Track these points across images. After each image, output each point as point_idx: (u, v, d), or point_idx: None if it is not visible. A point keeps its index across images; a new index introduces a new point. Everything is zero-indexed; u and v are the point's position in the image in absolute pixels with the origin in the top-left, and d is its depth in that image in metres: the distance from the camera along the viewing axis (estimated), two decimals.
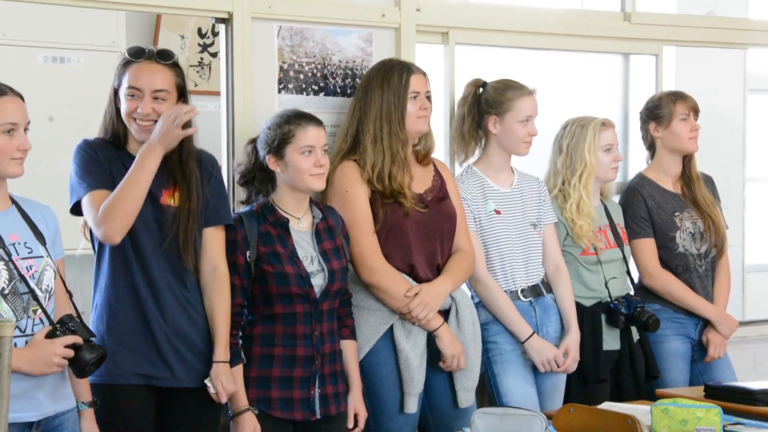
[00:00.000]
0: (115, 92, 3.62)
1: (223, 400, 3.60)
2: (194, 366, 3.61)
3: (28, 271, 3.11)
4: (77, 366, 3.13)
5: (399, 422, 4.00)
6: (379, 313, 3.99)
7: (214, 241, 3.67)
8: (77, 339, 3.11)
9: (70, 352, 3.10)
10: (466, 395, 4.09)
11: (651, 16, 5.25)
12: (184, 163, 3.63)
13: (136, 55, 3.59)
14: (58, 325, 3.11)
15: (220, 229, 3.70)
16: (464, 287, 4.26)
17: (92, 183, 3.52)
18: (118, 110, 3.61)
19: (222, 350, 3.60)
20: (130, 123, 3.58)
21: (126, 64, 3.59)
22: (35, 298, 3.10)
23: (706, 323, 4.81)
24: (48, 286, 3.16)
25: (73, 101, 3.51)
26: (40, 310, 3.12)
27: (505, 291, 4.32)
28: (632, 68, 5.28)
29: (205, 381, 3.59)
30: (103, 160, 3.57)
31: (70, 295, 3.30)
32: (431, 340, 4.03)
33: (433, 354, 4.03)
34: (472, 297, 4.30)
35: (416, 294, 3.96)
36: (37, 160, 3.41)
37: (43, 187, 3.64)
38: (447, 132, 4.63)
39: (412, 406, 3.98)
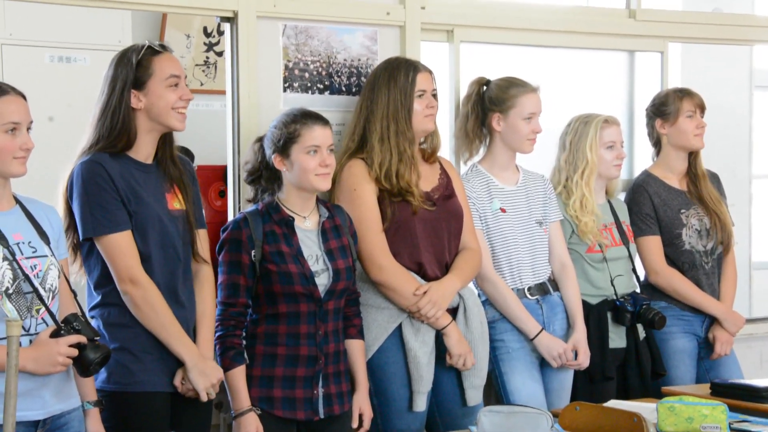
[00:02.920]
0: (124, 88, 3.50)
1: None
2: None
3: (33, 270, 3.11)
4: (81, 365, 3.13)
5: (407, 420, 4.00)
6: (388, 312, 3.99)
7: (205, 243, 3.71)
8: (81, 338, 3.11)
9: (75, 352, 3.09)
10: (474, 393, 4.09)
11: (656, 12, 5.24)
12: (176, 164, 3.64)
13: (162, 47, 3.57)
14: (62, 325, 3.11)
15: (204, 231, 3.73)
16: (471, 285, 4.26)
17: (118, 222, 3.45)
18: (129, 107, 3.51)
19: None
20: (170, 115, 3.54)
21: (149, 57, 3.52)
22: (39, 297, 3.11)
23: (712, 320, 4.80)
24: (52, 285, 3.16)
25: (78, 102, 3.50)
26: (43, 310, 3.12)
27: (513, 289, 4.32)
28: (638, 65, 5.27)
29: None
30: (118, 178, 3.47)
31: (75, 295, 3.29)
32: (439, 338, 4.02)
33: (441, 352, 4.03)
34: (479, 295, 4.30)
35: (425, 292, 3.96)
36: (38, 159, 3.40)
37: (46, 188, 3.62)
38: (452, 130, 4.62)
39: (421, 404, 3.98)
